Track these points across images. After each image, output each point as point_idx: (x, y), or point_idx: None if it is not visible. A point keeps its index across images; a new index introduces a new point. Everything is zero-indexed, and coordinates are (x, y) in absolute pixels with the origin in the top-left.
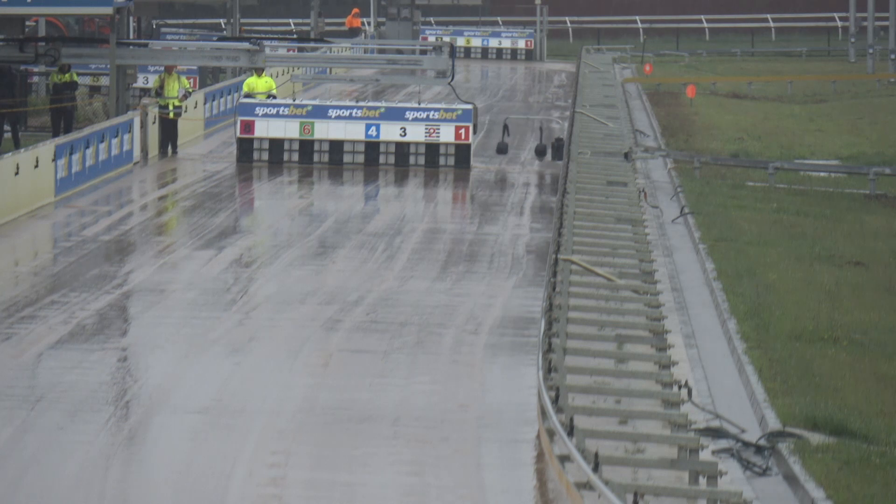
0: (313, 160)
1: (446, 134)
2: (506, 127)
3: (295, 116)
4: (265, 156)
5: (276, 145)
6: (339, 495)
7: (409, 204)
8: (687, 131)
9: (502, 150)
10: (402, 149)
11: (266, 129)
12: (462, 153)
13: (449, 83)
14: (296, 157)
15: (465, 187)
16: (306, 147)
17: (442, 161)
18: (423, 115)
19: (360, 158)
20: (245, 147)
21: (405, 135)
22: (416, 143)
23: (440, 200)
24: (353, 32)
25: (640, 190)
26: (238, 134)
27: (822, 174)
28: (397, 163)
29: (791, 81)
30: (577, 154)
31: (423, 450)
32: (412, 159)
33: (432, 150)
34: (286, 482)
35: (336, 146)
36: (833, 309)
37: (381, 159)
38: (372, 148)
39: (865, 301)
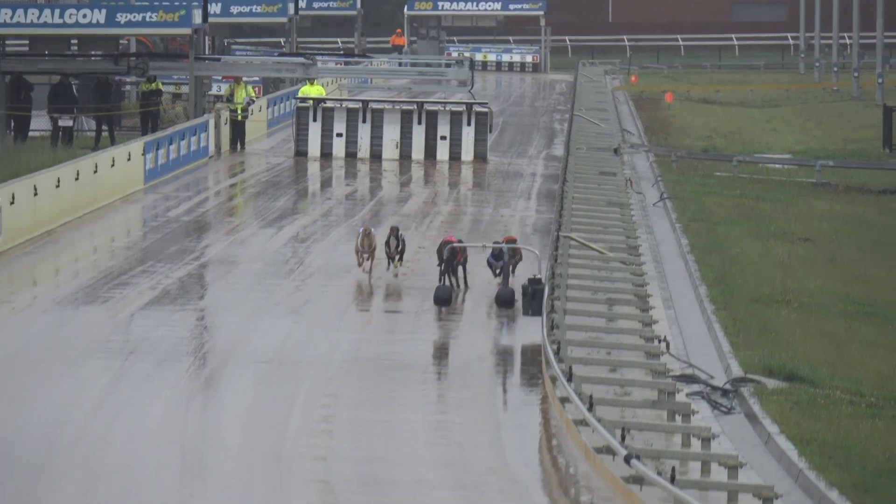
0: (357, 155)
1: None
2: (442, 261)
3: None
4: (316, 150)
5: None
6: (378, 430)
7: (435, 189)
8: (665, 131)
9: (443, 299)
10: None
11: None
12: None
13: (469, 91)
14: (342, 152)
15: (483, 176)
16: (353, 143)
17: (465, 156)
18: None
19: (396, 154)
20: None
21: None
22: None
23: (462, 188)
24: (397, 49)
25: (627, 179)
26: None
27: (777, 166)
28: (426, 156)
29: (752, 90)
30: (576, 149)
31: (449, 393)
32: (439, 154)
33: (457, 147)
34: (335, 419)
35: (377, 142)
36: (786, 277)
37: (414, 154)
38: (407, 142)
39: (812, 271)
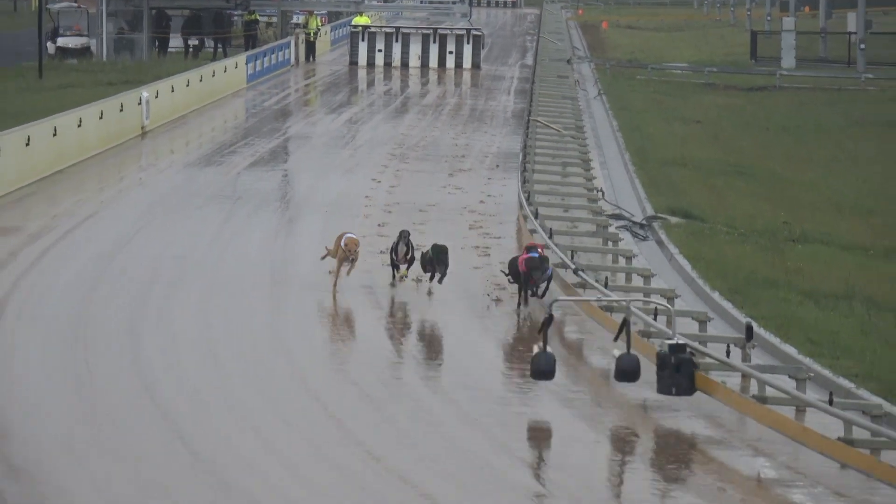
0: (392, 64)
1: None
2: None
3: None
4: (364, 61)
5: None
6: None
7: (445, 88)
8: (602, 48)
9: (546, 371)
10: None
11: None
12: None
13: (468, 20)
14: (382, 62)
15: (478, 79)
16: (389, 56)
17: (465, 64)
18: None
19: (418, 63)
20: None
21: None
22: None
23: (463, 87)
24: None
25: (576, 80)
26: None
27: (677, 71)
28: (439, 65)
29: (662, 19)
30: (541, 60)
31: (458, 231)
32: (448, 63)
33: (460, 59)
34: (378, 243)
35: (405, 55)
36: (684, 148)
37: (431, 64)
38: (425, 55)
39: (702, 144)
